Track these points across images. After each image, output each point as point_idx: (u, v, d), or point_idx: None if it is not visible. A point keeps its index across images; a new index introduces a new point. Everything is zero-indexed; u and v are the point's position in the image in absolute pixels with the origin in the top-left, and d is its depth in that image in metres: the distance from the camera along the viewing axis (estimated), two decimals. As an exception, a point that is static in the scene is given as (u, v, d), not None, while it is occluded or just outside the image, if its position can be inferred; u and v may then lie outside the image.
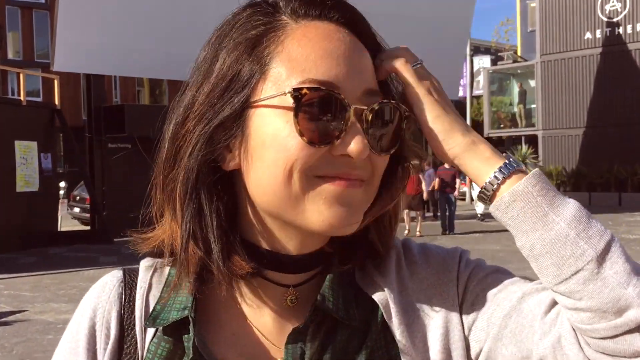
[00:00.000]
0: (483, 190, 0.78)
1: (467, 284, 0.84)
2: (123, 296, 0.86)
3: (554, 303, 0.77)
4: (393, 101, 0.78)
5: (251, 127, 0.75)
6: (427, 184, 15.94)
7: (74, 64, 14.91)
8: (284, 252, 0.81)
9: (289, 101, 0.73)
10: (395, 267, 0.86)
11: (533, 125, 26.26)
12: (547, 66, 25.43)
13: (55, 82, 16.15)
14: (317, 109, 0.73)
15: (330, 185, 0.74)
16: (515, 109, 27.66)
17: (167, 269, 0.87)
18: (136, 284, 0.87)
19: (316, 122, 0.73)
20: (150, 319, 0.82)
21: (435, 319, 0.82)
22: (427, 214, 17.48)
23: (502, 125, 28.14)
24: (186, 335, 0.79)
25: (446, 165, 13.88)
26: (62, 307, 8.17)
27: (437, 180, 15.76)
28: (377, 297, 0.82)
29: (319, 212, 0.74)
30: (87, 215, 17.69)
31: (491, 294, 0.82)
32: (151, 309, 0.83)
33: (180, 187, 0.78)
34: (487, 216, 16.31)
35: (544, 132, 25.48)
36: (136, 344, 0.83)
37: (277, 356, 0.81)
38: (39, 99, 28.37)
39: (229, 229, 0.79)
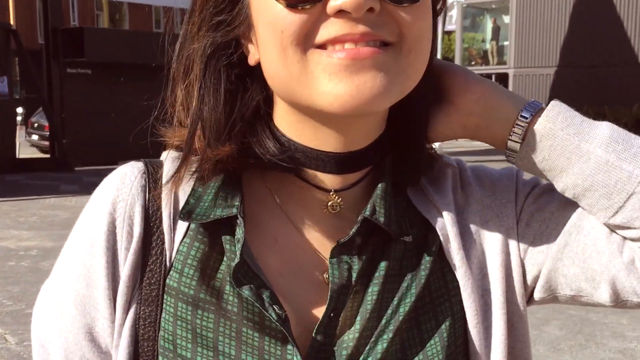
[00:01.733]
0: (513, 135, 0.73)
1: (524, 203, 0.78)
2: (147, 189, 0.74)
3: None
4: None
5: (252, 10, 0.69)
6: None
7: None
8: (325, 150, 0.71)
9: None
10: (452, 188, 0.79)
11: (505, 63, 26.15)
12: (522, 2, 25.13)
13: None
14: None
15: (336, 54, 0.63)
16: (488, 46, 27.47)
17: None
18: (161, 177, 0.75)
19: None
20: (185, 212, 0.71)
21: (492, 244, 0.76)
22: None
23: (473, 63, 27.95)
24: (227, 237, 0.70)
25: None
26: (22, 234, 7.95)
27: None
28: (434, 218, 0.76)
29: (328, 91, 0.64)
30: (46, 143, 17.19)
31: (548, 212, 0.76)
32: (181, 205, 0.73)
33: (196, 71, 0.72)
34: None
35: (516, 70, 25.40)
36: (163, 244, 0.73)
37: (322, 267, 0.73)
38: (-8, 20, 26.97)
39: (238, 119, 0.71)
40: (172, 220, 0.73)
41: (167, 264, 0.72)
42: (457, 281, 0.74)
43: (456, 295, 0.74)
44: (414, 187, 0.78)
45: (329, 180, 0.73)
